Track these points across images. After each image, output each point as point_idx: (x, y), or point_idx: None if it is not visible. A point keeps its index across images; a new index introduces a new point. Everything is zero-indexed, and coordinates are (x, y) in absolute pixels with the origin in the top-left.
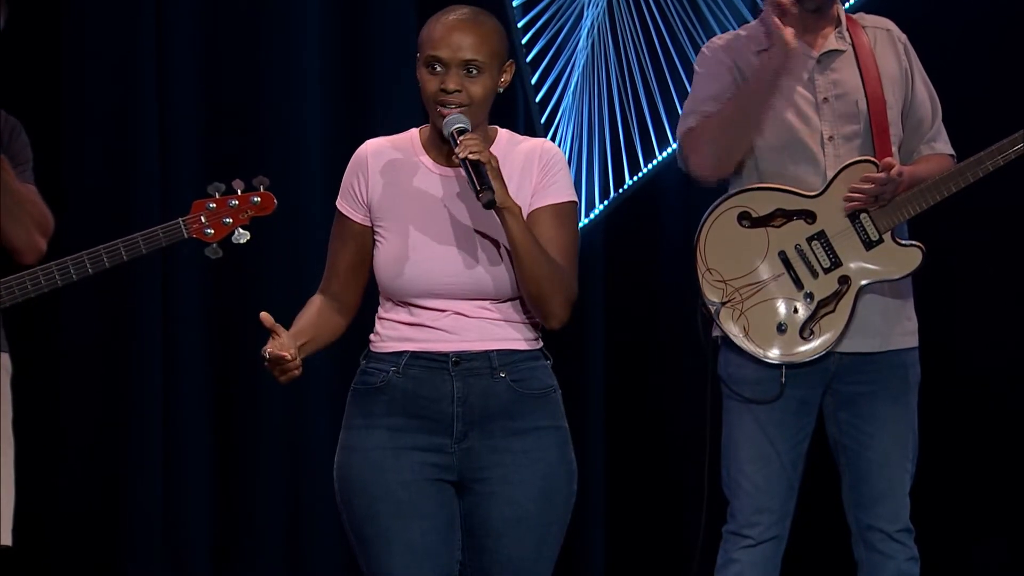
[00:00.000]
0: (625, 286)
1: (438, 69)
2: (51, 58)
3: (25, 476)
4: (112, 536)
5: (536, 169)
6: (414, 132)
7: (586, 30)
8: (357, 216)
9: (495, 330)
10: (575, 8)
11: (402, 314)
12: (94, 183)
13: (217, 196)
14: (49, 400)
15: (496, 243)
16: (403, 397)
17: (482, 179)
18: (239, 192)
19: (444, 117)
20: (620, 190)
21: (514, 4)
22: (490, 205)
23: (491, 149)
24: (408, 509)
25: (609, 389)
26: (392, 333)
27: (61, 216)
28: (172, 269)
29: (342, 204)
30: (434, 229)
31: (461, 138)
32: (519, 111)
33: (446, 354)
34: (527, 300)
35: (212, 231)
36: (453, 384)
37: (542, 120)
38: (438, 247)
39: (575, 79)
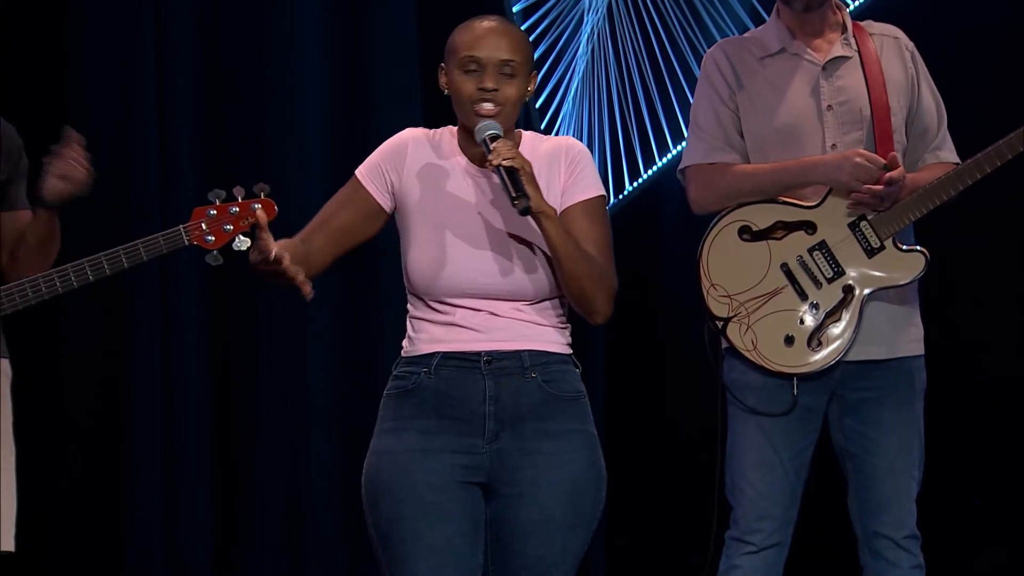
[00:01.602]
0: (625, 292)
1: (474, 69)
2: (51, 61)
3: (25, 481)
4: (112, 540)
5: (563, 167)
6: (452, 130)
7: (586, 36)
8: (374, 192)
9: (527, 331)
10: (575, 14)
11: (434, 313)
12: (94, 185)
13: (218, 203)
14: (49, 405)
15: (531, 245)
16: (434, 398)
17: (517, 186)
18: (240, 199)
19: (480, 116)
20: (621, 196)
21: (514, 10)
22: (526, 212)
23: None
24: (434, 511)
25: (610, 395)
26: (424, 336)
27: (62, 219)
28: (172, 276)
29: (363, 175)
30: (469, 231)
31: (494, 144)
32: (519, 117)
33: (478, 353)
34: (570, 300)
35: (213, 238)
36: (485, 383)
37: (542, 126)
38: (474, 249)
39: (575, 85)
